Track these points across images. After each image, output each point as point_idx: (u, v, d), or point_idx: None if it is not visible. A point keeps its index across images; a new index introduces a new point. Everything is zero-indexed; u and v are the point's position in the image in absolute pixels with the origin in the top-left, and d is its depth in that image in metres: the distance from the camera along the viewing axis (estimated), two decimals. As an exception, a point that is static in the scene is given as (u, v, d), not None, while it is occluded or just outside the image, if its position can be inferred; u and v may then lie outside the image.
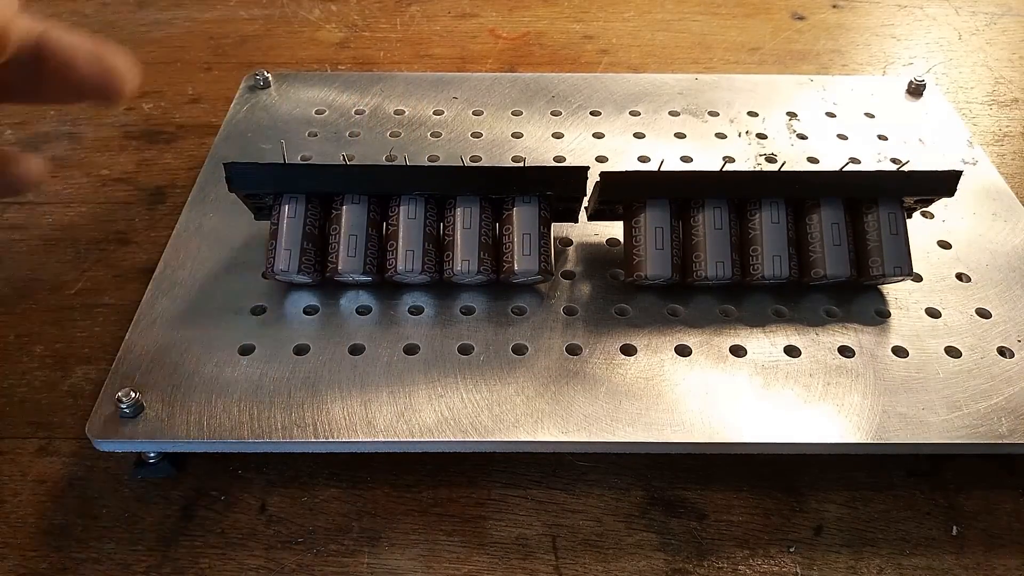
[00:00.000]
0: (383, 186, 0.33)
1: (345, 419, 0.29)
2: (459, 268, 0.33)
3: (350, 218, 0.33)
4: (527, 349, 0.32)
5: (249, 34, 0.59)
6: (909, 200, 0.34)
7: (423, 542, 0.30)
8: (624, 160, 0.42)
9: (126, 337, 0.32)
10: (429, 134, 0.43)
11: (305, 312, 0.34)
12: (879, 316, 0.34)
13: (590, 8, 0.62)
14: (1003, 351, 0.32)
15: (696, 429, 0.29)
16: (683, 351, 0.32)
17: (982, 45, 0.58)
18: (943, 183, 0.33)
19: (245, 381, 0.31)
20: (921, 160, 0.42)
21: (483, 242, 0.33)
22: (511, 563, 0.29)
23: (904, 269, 0.33)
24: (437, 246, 0.34)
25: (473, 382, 0.31)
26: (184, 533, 0.30)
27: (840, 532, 0.30)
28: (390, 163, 0.41)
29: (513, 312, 0.34)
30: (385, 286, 0.34)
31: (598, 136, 0.43)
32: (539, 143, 0.43)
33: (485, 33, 0.59)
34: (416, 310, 0.34)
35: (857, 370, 0.32)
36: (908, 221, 0.34)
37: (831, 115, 0.45)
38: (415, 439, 0.29)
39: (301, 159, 0.41)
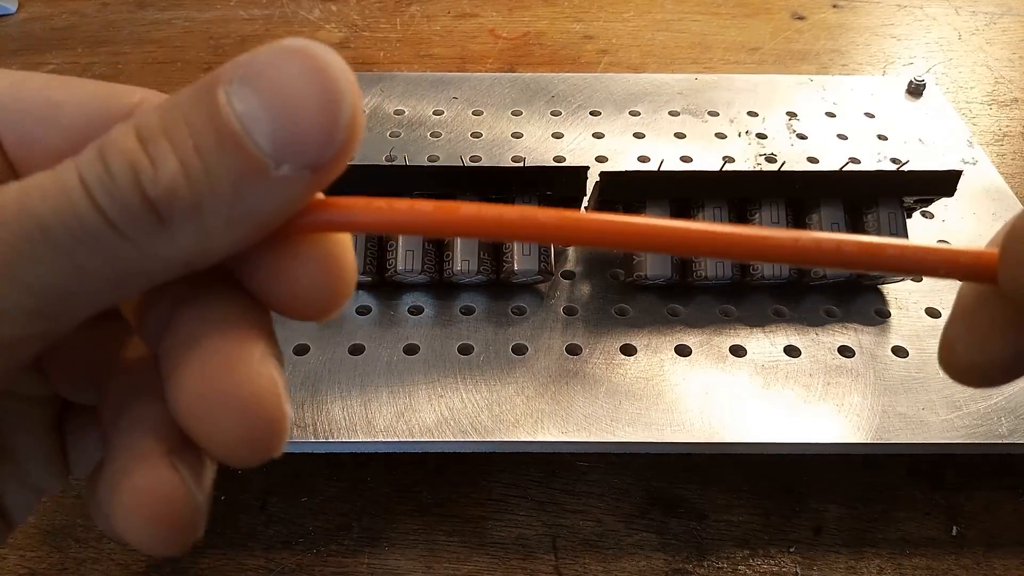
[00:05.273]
0: (383, 186, 0.33)
1: (345, 419, 0.29)
2: (459, 268, 0.33)
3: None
4: (527, 349, 0.32)
5: (249, 34, 0.59)
6: (909, 200, 0.34)
7: (423, 542, 0.30)
8: (624, 160, 0.42)
9: (126, 337, 0.32)
10: (429, 134, 0.43)
11: (305, 312, 0.34)
12: (879, 316, 0.34)
13: (590, 8, 0.62)
14: (1003, 351, 0.32)
15: (696, 429, 0.29)
16: (683, 351, 0.32)
17: (982, 45, 0.58)
18: (943, 183, 0.33)
19: (245, 381, 0.31)
20: (921, 160, 0.42)
21: (483, 242, 0.33)
22: (511, 563, 0.29)
23: (904, 269, 0.33)
24: (437, 246, 0.33)
25: (473, 382, 0.31)
26: (184, 533, 0.30)
27: (840, 532, 0.30)
28: (390, 163, 0.41)
29: (513, 312, 0.34)
30: (385, 286, 0.34)
31: (598, 136, 0.43)
32: (539, 143, 0.43)
33: (485, 33, 0.59)
34: (416, 310, 0.34)
35: (857, 370, 0.32)
36: (908, 221, 0.34)
37: (831, 115, 0.45)
38: (415, 439, 0.29)
39: (301, 159, 0.41)
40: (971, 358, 0.14)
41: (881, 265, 0.13)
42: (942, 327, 0.15)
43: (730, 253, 0.13)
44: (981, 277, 0.13)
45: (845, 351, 0.32)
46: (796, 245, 0.13)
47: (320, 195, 0.14)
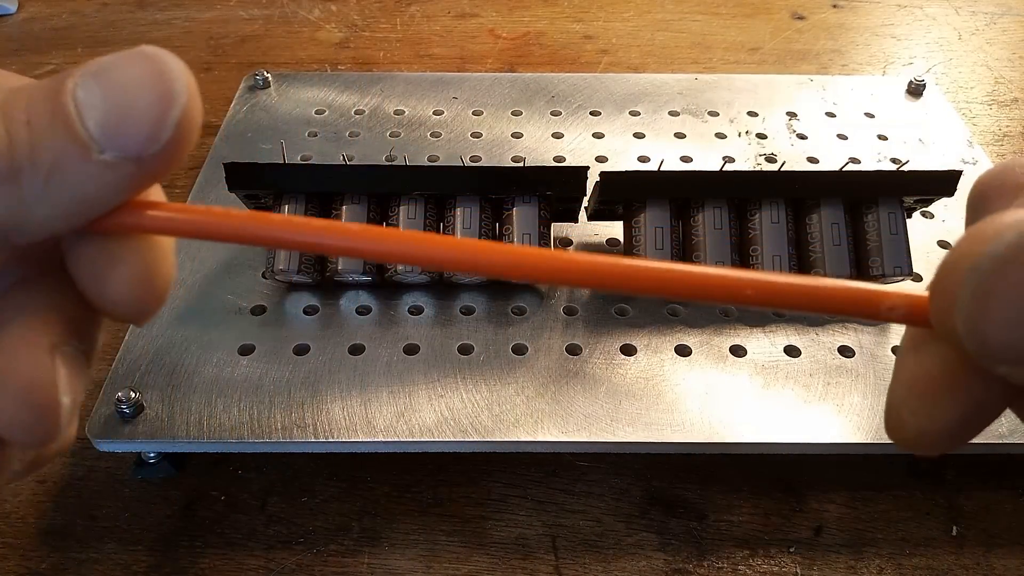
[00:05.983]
0: (383, 186, 0.33)
1: (345, 419, 0.29)
2: (459, 268, 0.33)
3: (350, 218, 0.33)
4: (527, 349, 0.32)
5: (249, 34, 0.59)
6: (909, 200, 0.34)
7: (423, 542, 0.30)
8: (624, 160, 0.42)
9: (126, 337, 0.32)
10: (429, 134, 0.43)
11: (305, 312, 0.34)
12: (879, 316, 0.34)
13: (590, 8, 0.62)
14: (1003, 351, 0.32)
15: (696, 429, 0.29)
16: (683, 351, 0.32)
17: (982, 45, 0.58)
18: (943, 183, 0.33)
19: (245, 381, 0.31)
20: (921, 160, 0.42)
21: (483, 242, 0.33)
22: (511, 563, 0.29)
23: (904, 269, 0.33)
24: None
25: (473, 382, 0.31)
26: (184, 533, 0.30)
27: (840, 532, 0.30)
28: (390, 163, 0.41)
29: (513, 312, 0.34)
30: (385, 286, 0.34)
31: (598, 136, 0.43)
32: (539, 143, 0.43)
33: (485, 33, 0.59)
34: (416, 310, 0.34)
35: (857, 370, 0.32)
36: (908, 221, 0.34)
37: (831, 115, 0.45)
38: (415, 439, 0.29)
39: (301, 159, 0.41)
40: (920, 425, 0.13)
41: (794, 305, 0.13)
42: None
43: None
44: (916, 320, 0.12)
45: (845, 351, 0.32)
46: (706, 281, 0.13)
47: (160, 197, 0.14)
